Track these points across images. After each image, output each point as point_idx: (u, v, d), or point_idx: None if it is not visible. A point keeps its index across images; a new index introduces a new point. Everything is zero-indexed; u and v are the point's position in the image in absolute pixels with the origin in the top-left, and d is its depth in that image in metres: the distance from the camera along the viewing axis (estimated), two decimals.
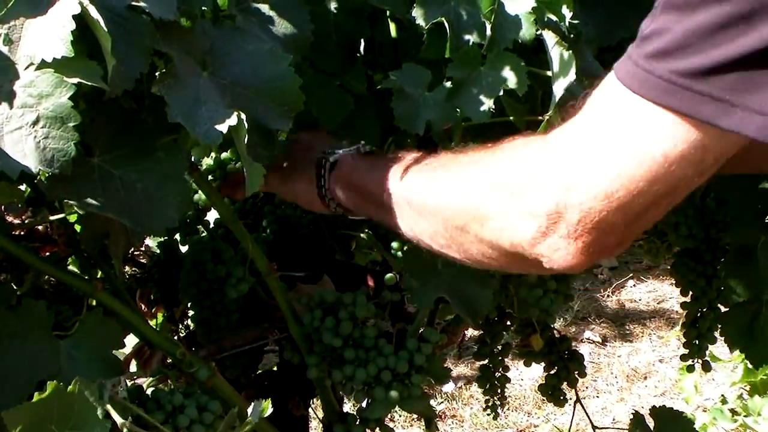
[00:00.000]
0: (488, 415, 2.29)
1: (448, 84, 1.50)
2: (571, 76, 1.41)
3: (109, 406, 1.21)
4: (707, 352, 2.19)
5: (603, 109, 1.13)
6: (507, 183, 1.19)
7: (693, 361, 2.17)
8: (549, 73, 1.46)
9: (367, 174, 1.46)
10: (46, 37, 1.09)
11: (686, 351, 2.16)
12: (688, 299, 2.10)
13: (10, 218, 2.37)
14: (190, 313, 1.93)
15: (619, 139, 1.09)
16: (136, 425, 1.24)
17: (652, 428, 2.09)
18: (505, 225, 1.19)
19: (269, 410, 1.33)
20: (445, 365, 1.72)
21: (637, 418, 2.10)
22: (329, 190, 1.51)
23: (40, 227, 2.16)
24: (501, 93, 1.44)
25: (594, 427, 2.21)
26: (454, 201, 1.28)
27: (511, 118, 1.56)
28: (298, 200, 1.61)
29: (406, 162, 1.41)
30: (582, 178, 1.11)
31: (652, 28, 1.06)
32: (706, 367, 2.19)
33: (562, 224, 1.13)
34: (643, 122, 1.07)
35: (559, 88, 1.42)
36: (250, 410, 1.32)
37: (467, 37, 1.48)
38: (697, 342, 2.13)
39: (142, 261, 2.36)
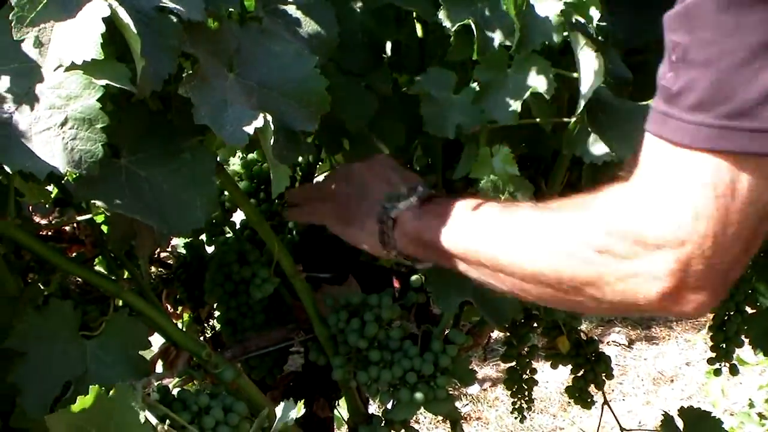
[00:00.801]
0: (515, 417, 2.28)
1: (475, 86, 1.49)
2: (599, 78, 1.40)
3: (147, 413, 1.22)
4: (734, 356, 2.17)
5: (662, 170, 1.14)
6: (613, 248, 1.18)
7: (720, 365, 2.15)
8: (576, 75, 1.45)
9: (436, 231, 1.44)
10: (76, 39, 1.10)
11: (713, 354, 2.15)
12: None
13: (37, 219, 2.38)
14: (216, 313, 1.93)
15: (692, 191, 1.11)
16: (166, 427, 1.25)
17: (681, 429, 2.08)
18: (627, 288, 1.18)
19: (302, 411, 1.33)
20: (471, 367, 1.72)
21: (667, 419, 2.09)
22: (394, 245, 1.51)
23: (67, 228, 2.17)
24: (528, 95, 1.44)
25: (622, 429, 2.20)
26: (554, 266, 1.26)
27: (538, 120, 1.55)
28: (363, 248, 1.60)
29: (477, 216, 1.39)
30: (688, 232, 1.12)
31: (680, 85, 1.10)
32: (734, 371, 2.18)
33: (686, 279, 1.14)
34: (704, 172, 1.09)
35: (586, 90, 1.41)
36: (280, 411, 1.32)
37: (494, 39, 1.47)
38: (724, 345, 2.12)
39: (169, 262, 2.37)
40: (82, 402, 1.14)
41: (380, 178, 1.59)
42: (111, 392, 1.16)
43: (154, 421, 1.22)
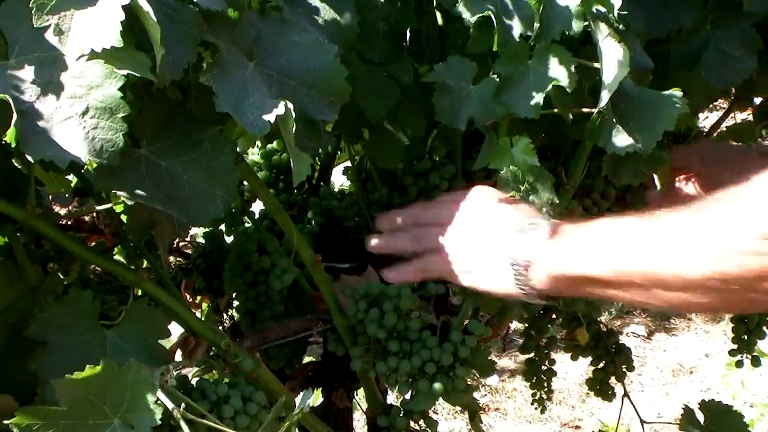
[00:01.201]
0: (534, 408, 2.28)
1: (494, 77, 1.49)
2: (624, 69, 1.39)
3: (161, 393, 1.22)
4: (756, 348, 2.16)
5: None
6: None
7: (742, 356, 2.14)
8: (597, 65, 1.44)
9: (580, 262, 1.35)
10: (96, 27, 1.10)
11: (734, 346, 2.14)
12: None
13: (57, 208, 2.39)
14: (235, 303, 1.94)
15: None
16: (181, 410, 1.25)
17: (702, 422, 2.08)
18: None
19: (319, 400, 1.33)
20: (489, 358, 1.71)
21: (688, 413, 2.09)
22: (533, 286, 1.41)
23: (86, 217, 2.17)
24: (550, 88, 1.43)
25: (642, 422, 2.20)
26: (720, 266, 1.19)
27: (558, 111, 1.55)
28: (495, 293, 1.48)
29: (621, 234, 1.32)
30: None
31: None
32: (756, 363, 2.16)
33: None
34: None
35: (609, 81, 1.41)
36: (298, 400, 1.32)
37: (514, 30, 1.47)
38: (746, 337, 2.11)
39: (188, 251, 2.38)
40: (91, 371, 1.15)
41: (494, 215, 1.48)
42: (122, 369, 1.17)
43: (168, 403, 1.23)
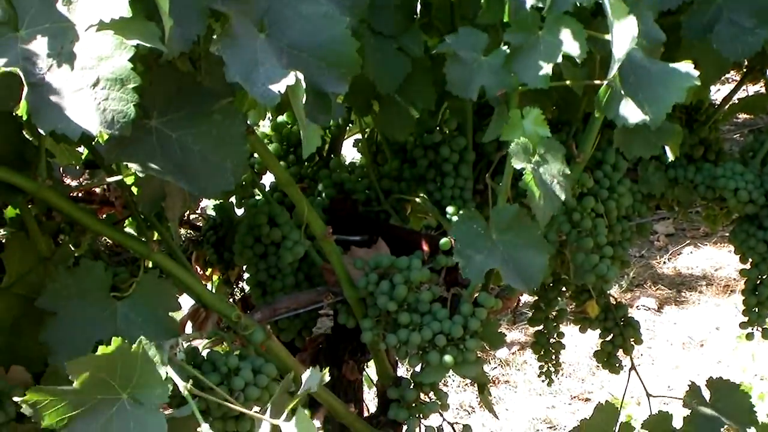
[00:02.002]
0: (543, 381, 2.28)
1: (505, 48, 1.48)
2: (632, 40, 1.38)
3: (170, 369, 1.22)
4: (767, 320, 2.16)
5: None
6: None
7: (752, 329, 2.14)
8: (608, 37, 1.43)
9: None
10: None
11: (745, 319, 2.13)
12: (747, 266, 2.07)
13: (68, 180, 2.39)
14: (246, 275, 1.94)
15: None
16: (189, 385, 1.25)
17: (708, 399, 2.08)
18: None
19: (327, 378, 1.33)
20: (500, 330, 1.72)
21: (694, 389, 2.09)
22: None
23: (97, 189, 2.18)
24: (560, 59, 1.42)
25: (649, 396, 2.20)
26: None
27: (569, 82, 1.54)
28: None
29: None
30: None
31: None
32: (766, 335, 2.16)
33: None
34: None
35: (619, 53, 1.40)
36: (305, 377, 1.32)
37: (527, 0, 1.46)
38: (756, 310, 2.11)
39: (198, 224, 2.38)
40: (104, 350, 1.16)
41: None
42: (133, 347, 1.18)
43: (180, 382, 1.23)
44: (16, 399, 1.17)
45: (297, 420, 1.22)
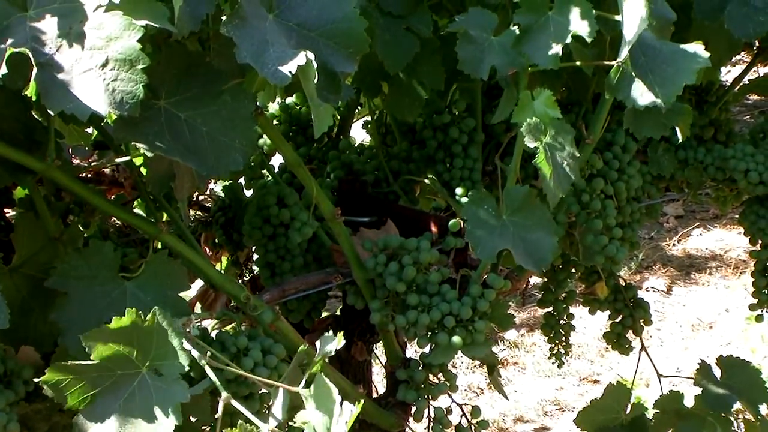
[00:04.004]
0: (552, 362, 2.28)
1: (515, 29, 1.47)
2: (644, 22, 1.38)
3: (186, 342, 1.23)
4: None
5: None
6: None
7: (762, 311, 2.14)
8: (618, 18, 1.43)
9: None
10: None
11: (754, 300, 2.13)
12: (756, 248, 2.07)
13: (77, 161, 2.39)
14: (255, 256, 1.94)
15: None
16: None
17: (718, 377, 2.08)
18: None
19: (342, 342, 1.32)
20: (509, 312, 1.72)
21: (704, 367, 2.09)
22: None
23: (106, 170, 2.18)
24: (569, 39, 1.42)
25: (659, 376, 2.20)
26: None
27: (579, 63, 1.54)
28: None
29: None
30: None
31: None
32: None
33: None
34: None
35: (630, 34, 1.39)
36: (319, 344, 1.32)
37: None
38: (766, 291, 2.10)
39: (207, 205, 2.38)
40: (119, 322, 1.17)
41: None
42: (147, 318, 1.19)
43: (197, 354, 1.24)
44: (35, 380, 1.18)
45: (316, 385, 1.22)
